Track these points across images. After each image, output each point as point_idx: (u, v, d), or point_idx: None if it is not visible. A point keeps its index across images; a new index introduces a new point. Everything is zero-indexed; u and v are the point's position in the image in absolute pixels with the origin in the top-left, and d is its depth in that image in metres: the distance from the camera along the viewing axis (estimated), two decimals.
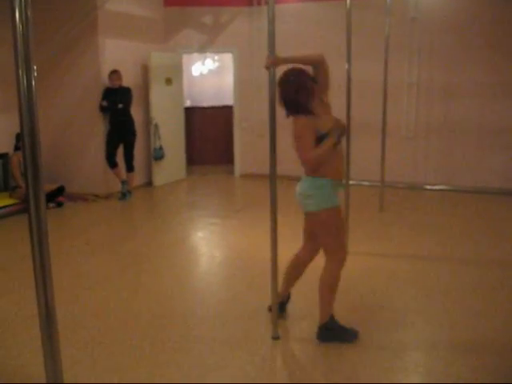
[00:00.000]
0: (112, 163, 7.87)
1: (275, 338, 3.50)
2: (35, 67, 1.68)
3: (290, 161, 6.47)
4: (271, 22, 3.17)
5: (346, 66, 5.11)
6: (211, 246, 5.90)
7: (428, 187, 8.46)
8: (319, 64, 3.33)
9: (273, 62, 3.22)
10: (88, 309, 4.07)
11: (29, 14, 1.66)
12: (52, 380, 1.88)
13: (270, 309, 3.65)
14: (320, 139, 3.17)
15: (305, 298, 4.08)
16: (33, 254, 1.77)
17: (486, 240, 5.74)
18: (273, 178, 3.37)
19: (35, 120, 1.70)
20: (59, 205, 7.49)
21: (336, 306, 3.78)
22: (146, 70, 8.76)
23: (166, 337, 3.57)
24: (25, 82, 1.67)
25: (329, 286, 3.41)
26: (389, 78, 6.72)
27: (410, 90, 8.40)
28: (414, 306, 4.06)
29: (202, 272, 5.06)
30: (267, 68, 3.26)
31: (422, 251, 5.36)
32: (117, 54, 8.07)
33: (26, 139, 1.71)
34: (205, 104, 11.42)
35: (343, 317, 3.71)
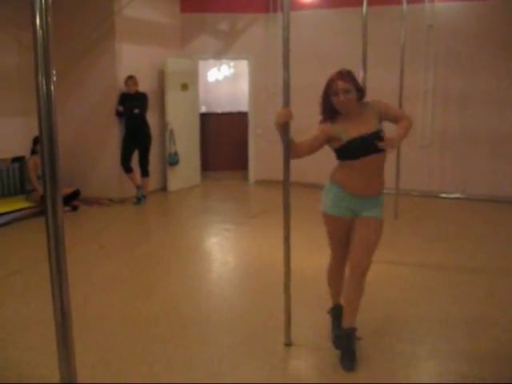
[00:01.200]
0: (127, 168, 7.92)
1: (288, 344, 3.49)
2: (54, 72, 1.70)
3: (305, 167, 6.49)
4: (286, 28, 3.17)
5: (362, 74, 5.10)
6: (225, 251, 5.90)
7: (443, 195, 8.41)
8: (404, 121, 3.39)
9: (287, 119, 3.22)
10: (102, 312, 4.08)
11: (49, 19, 1.68)
12: (66, 382, 1.89)
13: (329, 312, 3.68)
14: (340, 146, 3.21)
15: (319, 305, 4.08)
16: (49, 258, 1.78)
17: (500, 249, 5.70)
18: (286, 184, 3.36)
19: (54, 124, 1.72)
20: (74, 209, 7.54)
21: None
22: (162, 76, 8.81)
23: (179, 341, 3.58)
24: (44, 86, 1.69)
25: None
26: (404, 86, 6.70)
27: (426, 97, 8.37)
28: (427, 315, 4.04)
29: (216, 277, 5.07)
30: (278, 126, 3.23)
31: (436, 259, 5.33)
32: (133, 60, 8.13)
33: (45, 143, 1.72)
34: (220, 110, 11.45)
35: (359, 323, 3.70)
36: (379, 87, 7.70)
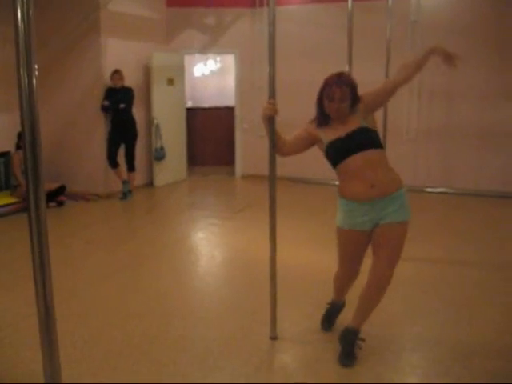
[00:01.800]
0: (113, 163, 7.89)
1: (273, 338, 3.51)
2: (36, 66, 1.69)
3: (291, 162, 6.49)
4: (271, 24, 3.18)
5: (347, 68, 5.11)
6: (211, 246, 5.90)
7: (429, 189, 8.46)
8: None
9: (272, 113, 3.21)
10: (87, 307, 4.08)
11: (31, 13, 1.66)
12: (50, 379, 1.89)
13: (329, 303, 3.68)
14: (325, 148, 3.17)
15: (304, 299, 4.10)
16: (32, 253, 1.77)
17: (486, 242, 5.75)
18: (272, 179, 3.37)
19: (36, 119, 1.71)
20: (60, 204, 7.50)
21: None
22: (147, 71, 8.78)
23: (165, 336, 3.58)
24: (26, 81, 1.68)
25: None
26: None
27: (411, 92, 8.39)
28: (415, 307, 4.07)
29: (202, 272, 5.07)
30: (263, 120, 3.24)
31: (422, 253, 5.36)
32: (119, 54, 8.09)
33: (27, 138, 1.71)
34: (206, 105, 11.44)
35: (342, 317, 3.72)
36: (364, 82, 7.71)
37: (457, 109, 8.21)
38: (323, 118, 3.16)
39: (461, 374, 3.09)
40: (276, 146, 3.29)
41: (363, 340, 3.30)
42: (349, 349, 3.23)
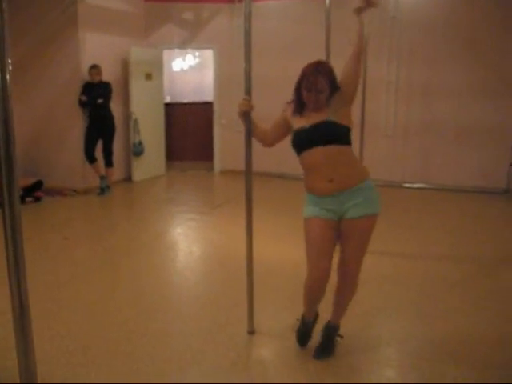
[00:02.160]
0: (91, 158, 7.83)
1: (251, 332, 3.53)
2: (10, 61, 1.67)
3: (268, 158, 6.52)
4: (247, 19, 3.19)
5: None
6: (189, 241, 5.90)
7: (406, 185, 8.55)
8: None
9: (247, 109, 3.22)
10: (65, 304, 4.06)
11: (4, 6, 1.64)
12: (25, 377, 1.89)
13: (298, 319, 3.48)
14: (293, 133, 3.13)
15: (282, 293, 4.12)
16: (6, 251, 1.77)
17: (462, 237, 5.83)
18: (248, 175, 3.38)
19: (9, 115, 1.69)
20: (37, 199, 7.45)
21: None
22: (126, 65, 8.73)
23: (143, 331, 3.58)
24: None
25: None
26: (368, 77, 6.76)
27: (389, 88, 8.46)
28: (390, 301, 4.11)
29: (180, 267, 5.07)
30: (240, 115, 3.26)
31: (399, 248, 5.42)
32: (97, 49, 8.03)
33: (1, 134, 1.70)
34: (185, 100, 11.41)
35: (321, 312, 3.75)
36: None
37: (434, 105, 8.29)
38: (300, 106, 3.10)
39: (436, 366, 3.14)
40: (260, 139, 3.29)
41: (342, 337, 3.35)
42: (327, 343, 3.27)
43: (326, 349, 3.26)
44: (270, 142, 3.31)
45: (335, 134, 2.98)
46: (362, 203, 2.99)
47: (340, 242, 3.10)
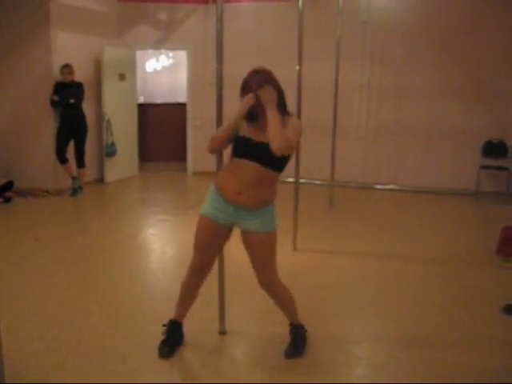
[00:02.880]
0: (62, 158, 7.74)
1: (222, 332, 3.55)
2: None
3: None
4: (219, 20, 3.21)
5: (297, 67, 5.18)
6: (162, 242, 5.90)
7: (378, 187, 8.64)
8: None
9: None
10: (35, 305, 4.03)
11: None
12: None
13: (165, 325, 3.46)
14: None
15: (253, 294, 4.15)
16: None
17: (433, 238, 5.93)
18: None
19: None
20: (8, 200, 7.36)
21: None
22: (99, 65, 8.67)
23: (114, 332, 3.58)
24: None
25: None
26: (340, 80, 6.84)
27: (361, 91, 8.55)
28: (361, 302, 4.17)
29: (153, 268, 5.07)
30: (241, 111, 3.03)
31: (371, 249, 5.49)
32: (69, 48, 7.96)
33: None
34: (158, 101, 11.37)
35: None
36: (315, 80, 7.84)
37: (406, 108, 8.41)
38: (250, 117, 3.01)
39: (406, 363, 3.19)
40: (220, 143, 3.12)
41: (306, 331, 3.41)
42: (298, 342, 3.33)
43: (296, 348, 3.30)
44: (222, 145, 3.16)
45: (268, 158, 2.92)
46: (260, 222, 3.08)
47: (247, 251, 3.23)
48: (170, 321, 3.41)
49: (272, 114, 2.87)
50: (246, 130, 3.03)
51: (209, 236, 3.19)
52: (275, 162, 2.96)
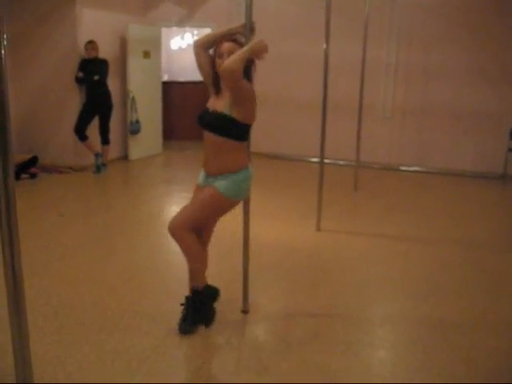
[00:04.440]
0: (81, 136, 7.70)
1: (245, 311, 3.56)
2: (5, 36, 1.66)
3: (264, 139, 6.49)
4: None
5: (324, 45, 5.11)
6: None
7: (403, 168, 8.54)
8: None
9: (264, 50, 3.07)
10: (59, 280, 4.06)
11: None
12: (19, 352, 1.90)
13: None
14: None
15: (277, 273, 4.14)
16: (0, 226, 1.76)
17: (458, 221, 5.85)
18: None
19: (5, 90, 1.68)
20: (33, 176, 7.42)
21: (304, 281, 3.87)
22: (123, 42, 8.66)
23: (138, 308, 3.60)
24: None
25: None
26: (367, 58, 6.75)
27: (388, 70, 8.42)
28: (384, 283, 4.14)
29: (175, 246, 5.06)
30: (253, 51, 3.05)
31: (394, 231, 5.44)
32: (95, 25, 7.95)
33: None
34: (182, 79, 11.33)
35: (312, 293, 3.78)
36: (342, 58, 7.74)
37: (433, 88, 8.26)
38: (215, 84, 3.15)
39: (430, 346, 3.17)
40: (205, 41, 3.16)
41: (201, 293, 3.37)
42: (188, 311, 3.34)
43: (185, 319, 3.33)
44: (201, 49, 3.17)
45: (221, 127, 3.09)
46: (219, 182, 3.16)
47: None
48: (187, 297, 3.41)
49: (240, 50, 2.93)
50: (210, 102, 3.18)
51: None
52: (232, 131, 3.08)
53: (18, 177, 7.11)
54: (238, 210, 3.44)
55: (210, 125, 3.12)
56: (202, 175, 3.34)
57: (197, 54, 3.17)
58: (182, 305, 3.41)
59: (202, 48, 3.16)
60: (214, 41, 3.12)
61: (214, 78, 3.14)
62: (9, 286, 1.82)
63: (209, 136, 3.17)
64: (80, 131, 7.70)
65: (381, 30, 8.18)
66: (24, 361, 1.91)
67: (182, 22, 9.66)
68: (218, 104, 3.10)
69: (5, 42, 1.66)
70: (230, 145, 3.12)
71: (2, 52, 1.65)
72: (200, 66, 3.20)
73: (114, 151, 8.54)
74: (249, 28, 3.16)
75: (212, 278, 4.12)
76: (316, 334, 3.30)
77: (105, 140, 8.01)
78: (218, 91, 3.16)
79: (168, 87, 10.50)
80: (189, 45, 11.57)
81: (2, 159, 1.70)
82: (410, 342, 3.24)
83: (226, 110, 3.05)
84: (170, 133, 10.53)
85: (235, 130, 3.08)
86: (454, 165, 8.27)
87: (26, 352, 1.92)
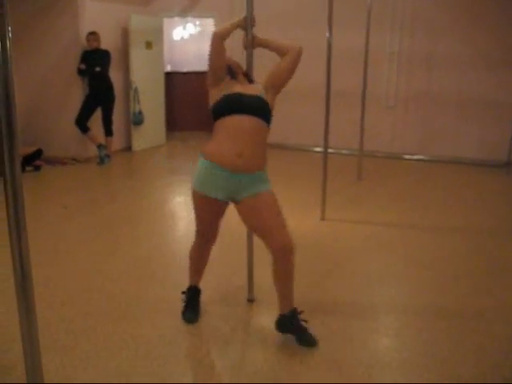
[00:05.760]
0: (83, 127, 7.72)
1: (250, 300, 3.58)
2: (10, 28, 1.66)
3: (275, 130, 6.47)
4: None
5: (327, 34, 5.09)
6: (190, 210, 5.87)
7: (406, 157, 8.53)
8: (288, 56, 3.13)
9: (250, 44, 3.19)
10: (65, 271, 4.09)
11: None
12: (27, 339, 1.91)
13: (184, 292, 3.50)
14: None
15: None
16: (8, 217, 1.77)
17: (461, 209, 5.85)
18: None
19: (10, 82, 1.69)
20: (37, 168, 7.44)
21: (309, 270, 3.88)
22: (126, 33, 8.64)
23: (143, 298, 3.62)
24: None
25: None
26: (370, 47, 6.72)
27: (391, 59, 8.40)
28: (388, 271, 4.15)
29: (180, 236, 5.09)
30: (245, 48, 3.23)
31: (399, 219, 5.45)
32: (97, 16, 7.94)
33: (1, 102, 1.70)
34: (185, 69, 11.31)
35: (317, 282, 3.80)
36: (345, 47, 7.72)
37: (436, 76, 8.23)
38: (231, 71, 3.17)
39: (435, 333, 3.18)
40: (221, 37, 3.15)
41: (301, 312, 3.15)
42: (299, 332, 3.07)
43: (304, 335, 3.08)
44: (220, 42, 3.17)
45: (262, 109, 2.95)
46: (260, 183, 3.00)
47: (252, 224, 3.17)
48: (189, 287, 3.44)
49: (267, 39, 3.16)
50: (231, 89, 3.05)
51: (207, 214, 3.17)
52: (269, 116, 2.97)
53: (22, 169, 7.09)
54: None
55: (253, 106, 2.90)
56: (217, 186, 2.97)
57: (218, 45, 3.12)
58: (183, 293, 3.43)
59: (223, 39, 3.15)
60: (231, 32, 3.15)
61: (231, 71, 3.18)
62: (17, 276, 1.83)
63: (244, 121, 2.87)
64: (81, 123, 7.70)
65: (384, 19, 8.15)
66: (33, 350, 1.93)
67: (184, 12, 9.63)
68: (250, 89, 3.04)
69: (9, 35, 1.66)
70: (266, 131, 2.97)
71: (8, 44, 1.66)
72: (220, 54, 3.16)
73: (117, 142, 8.55)
74: (249, 20, 3.18)
75: (217, 266, 4.15)
76: (321, 322, 3.31)
77: (108, 131, 8.02)
78: (233, 77, 3.16)
79: (171, 78, 10.49)
80: (191, 35, 11.54)
81: (8, 151, 1.71)
82: (415, 330, 3.25)
83: (262, 94, 2.99)
84: (172, 123, 10.53)
85: (270, 115, 2.98)
86: (457, 153, 8.26)
87: (34, 342, 1.93)
